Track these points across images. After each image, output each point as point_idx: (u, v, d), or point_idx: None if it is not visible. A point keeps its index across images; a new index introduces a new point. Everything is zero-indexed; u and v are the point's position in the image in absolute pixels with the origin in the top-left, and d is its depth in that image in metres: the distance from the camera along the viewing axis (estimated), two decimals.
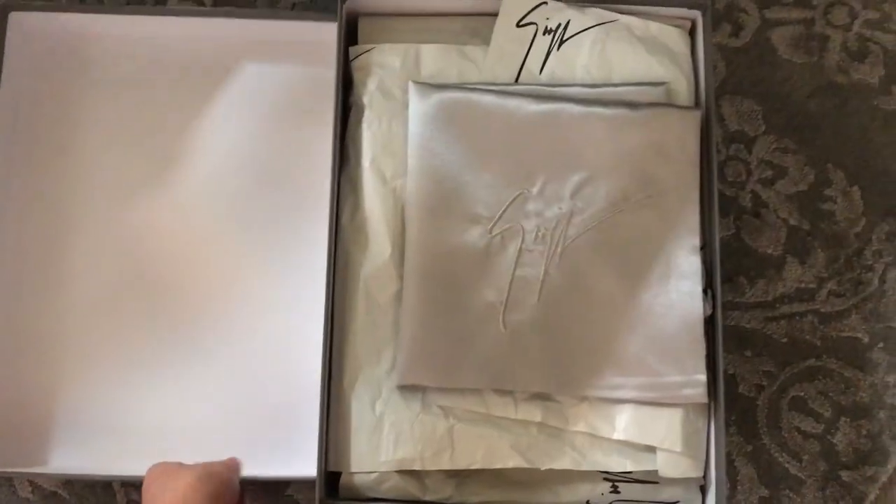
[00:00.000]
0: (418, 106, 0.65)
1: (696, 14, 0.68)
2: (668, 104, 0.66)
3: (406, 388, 0.63)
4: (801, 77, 0.78)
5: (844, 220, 0.76)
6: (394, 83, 0.67)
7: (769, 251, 0.75)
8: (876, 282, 0.75)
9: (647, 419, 0.62)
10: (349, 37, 0.69)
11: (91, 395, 0.70)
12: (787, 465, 0.73)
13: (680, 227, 0.64)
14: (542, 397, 0.63)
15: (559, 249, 0.64)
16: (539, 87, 0.66)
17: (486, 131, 0.64)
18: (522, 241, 0.64)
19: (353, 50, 0.68)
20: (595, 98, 0.65)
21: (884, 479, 0.73)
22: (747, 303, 0.75)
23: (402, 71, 0.67)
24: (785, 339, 0.74)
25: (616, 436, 0.63)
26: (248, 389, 0.70)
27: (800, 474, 0.73)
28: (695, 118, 0.66)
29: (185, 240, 0.72)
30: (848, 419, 0.73)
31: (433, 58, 0.68)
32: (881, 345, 0.74)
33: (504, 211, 0.64)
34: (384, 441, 0.62)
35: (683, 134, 0.65)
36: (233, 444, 0.69)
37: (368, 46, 0.68)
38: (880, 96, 0.78)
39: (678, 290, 0.63)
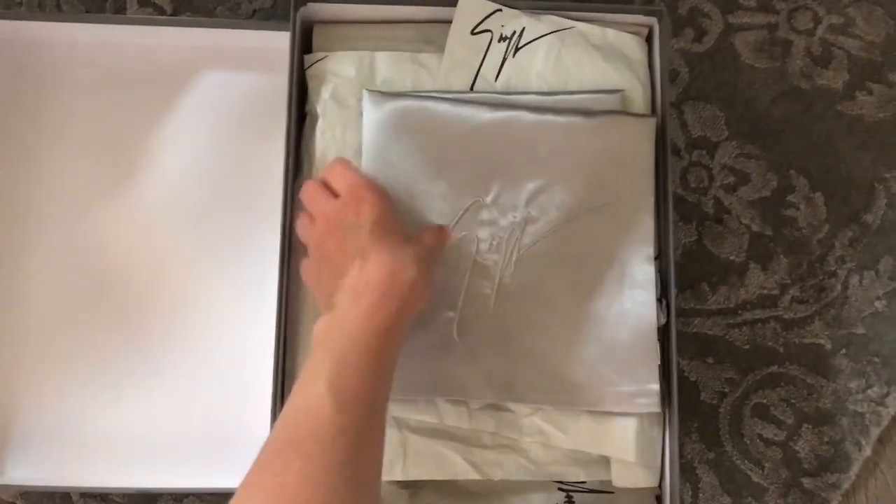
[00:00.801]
0: (372, 115, 0.64)
1: (653, 21, 0.68)
2: (624, 112, 0.66)
3: None
4: (764, 83, 0.78)
5: (807, 226, 0.76)
6: (348, 91, 0.67)
7: (731, 258, 0.75)
8: (839, 288, 0.75)
9: (600, 429, 0.62)
10: (304, 45, 0.68)
11: (49, 405, 0.70)
12: (749, 473, 0.73)
13: (634, 235, 0.64)
14: (495, 407, 0.63)
15: (513, 258, 0.63)
16: (494, 95, 0.66)
17: (441, 140, 0.64)
18: (476, 250, 0.64)
19: (307, 58, 0.68)
20: (549, 106, 0.65)
21: (846, 485, 0.72)
22: (709, 309, 0.74)
23: (356, 78, 0.67)
24: (747, 346, 0.74)
25: (570, 445, 0.62)
26: (204, 398, 0.70)
27: (762, 482, 0.72)
28: (650, 126, 0.65)
29: (142, 248, 0.71)
30: (810, 426, 0.73)
31: (387, 65, 0.67)
32: (844, 351, 0.74)
33: (458, 220, 0.64)
34: None
35: (638, 141, 0.65)
36: (189, 453, 0.69)
37: (322, 54, 0.68)
38: (844, 101, 0.78)
39: (632, 299, 0.63)
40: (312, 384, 0.52)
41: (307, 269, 0.61)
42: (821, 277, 0.75)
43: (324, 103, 0.67)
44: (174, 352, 0.70)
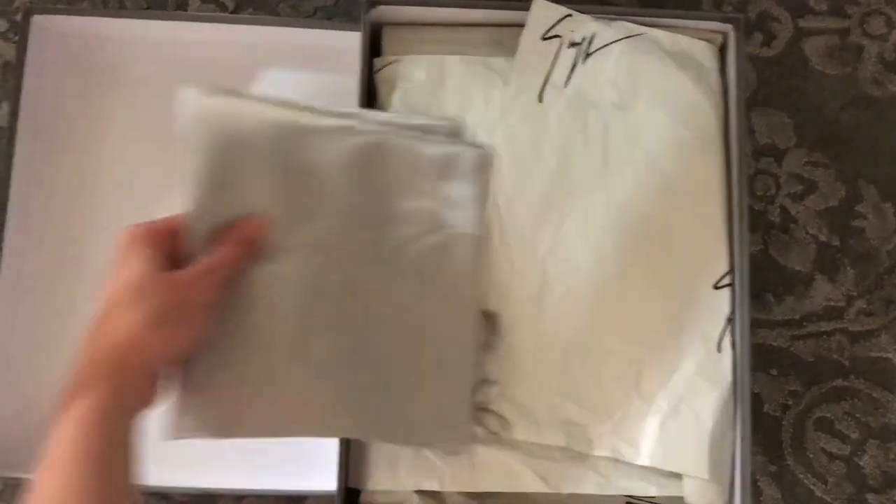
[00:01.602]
0: (198, 121, 0.55)
1: (728, 28, 0.66)
2: (459, 141, 0.64)
3: None
4: (834, 89, 0.76)
5: (876, 237, 0.74)
6: (418, 96, 0.66)
7: (798, 268, 0.74)
8: None
9: (674, 445, 0.61)
10: (372, 48, 0.68)
11: None
12: (812, 487, 0.72)
13: (461, 266, 0.61)
14: (565, 422, 0.62)
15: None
16: (334, 109, 0.60)
17: (296, 155, 0.57)
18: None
19: (377, 61, 0.67)
20: (392, 123, 0.62)
21: None
22: (774, 320, 0.73)
23: (426, 83, 0.66)
24: (812, 358, 0.73)
25: (642, 461, 0.62)
26: None
27: (825, 497, 0.71)
28: (485, 154, 0.63)
29: None
30: (876, 441, 0.72)
31: (458, 69, 0.66)
32: None
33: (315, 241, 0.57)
34: (403, 460, 0.62)
35: (473, 167, 0.63)
36: (250, 452, 0.69)
37: (393, 58, 0.67)
38: None
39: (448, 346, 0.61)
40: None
41: None
42: (889, 290, 0.74)
43: (393, 107, 0.66)
44: None
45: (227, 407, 0.53)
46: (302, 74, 0.73)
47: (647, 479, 0.62)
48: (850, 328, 0.73)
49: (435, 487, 0.61)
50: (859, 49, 0.77)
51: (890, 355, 0.73)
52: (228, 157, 0.55)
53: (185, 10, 0.77)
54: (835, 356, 0.73)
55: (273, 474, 0.68)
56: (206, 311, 0.50)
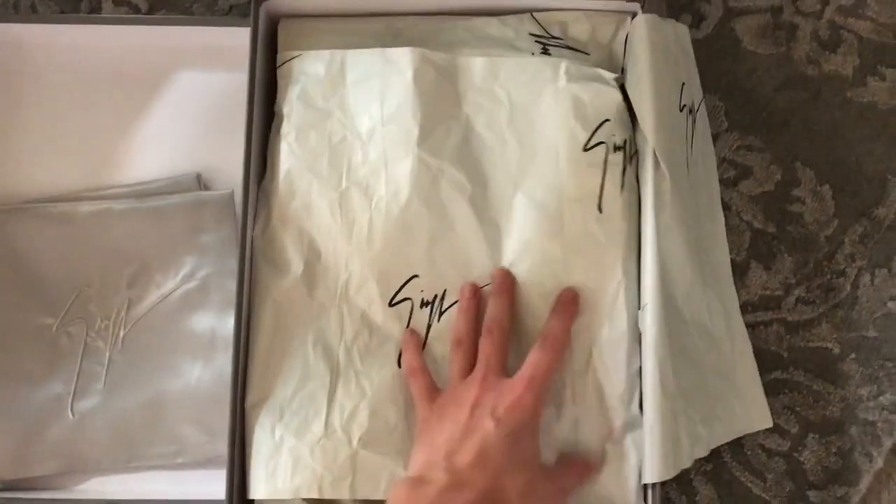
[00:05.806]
0: None
1: (636, 6, 0.64)
2: (198, 191, 0.69)
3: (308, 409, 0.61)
4: (767, 70, 0.73)
5: (814, 222, 0.71)
6: (316, 91, 0.64)
7: (732, 256, 0.71)
8: (848, 288, 0.70)
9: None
10: (273, 42, 0.66)
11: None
12: (749, 485, 0.68)
13: (214, 307, 0.68)
14: None
15: (121, 335, 0.67)
16: (85, 192, 0.70)
17: (42, 241, 0.68)
18: (87, 334, 0.67)
19: (280, 56, 0.65)
20: (133, 193, 0.69)
21: (856, 499, 0.68)
22: None
23: (326, 78, 0.64)
24: None
25: None
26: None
27: (764, 495, 0.68)
28: (227, 199, 0.69)
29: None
30: (817, 435, 0.68)
31: (358, 64, 0.64)
32: (853, 355, 0.69)
33: (66, 313, 0.68)
34: (281, 466, 0.59)
35: (219, 214, 0.68)
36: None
37: (295, 53, 0.65)
38: (854, 88, 0.73)
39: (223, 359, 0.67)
40: None
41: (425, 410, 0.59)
42: (829, 277, 0.70)
43: (290, 104, 0.64)
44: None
45: (10, 455, 0.66)
46: (217, 73, 0.72)
47: None
48: (788, 318, 0.70)
49: (314, 495, 0.59)
50: (793, 28, 0.74)
51: (830, 345, 0.69)
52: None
53: (98, 14, 0.75)
54: (772, 347, 0.70)
55: (167, 480, 0.67)
56: None
